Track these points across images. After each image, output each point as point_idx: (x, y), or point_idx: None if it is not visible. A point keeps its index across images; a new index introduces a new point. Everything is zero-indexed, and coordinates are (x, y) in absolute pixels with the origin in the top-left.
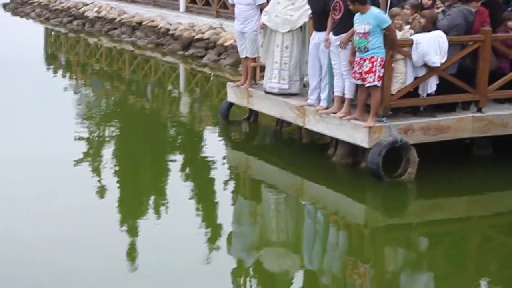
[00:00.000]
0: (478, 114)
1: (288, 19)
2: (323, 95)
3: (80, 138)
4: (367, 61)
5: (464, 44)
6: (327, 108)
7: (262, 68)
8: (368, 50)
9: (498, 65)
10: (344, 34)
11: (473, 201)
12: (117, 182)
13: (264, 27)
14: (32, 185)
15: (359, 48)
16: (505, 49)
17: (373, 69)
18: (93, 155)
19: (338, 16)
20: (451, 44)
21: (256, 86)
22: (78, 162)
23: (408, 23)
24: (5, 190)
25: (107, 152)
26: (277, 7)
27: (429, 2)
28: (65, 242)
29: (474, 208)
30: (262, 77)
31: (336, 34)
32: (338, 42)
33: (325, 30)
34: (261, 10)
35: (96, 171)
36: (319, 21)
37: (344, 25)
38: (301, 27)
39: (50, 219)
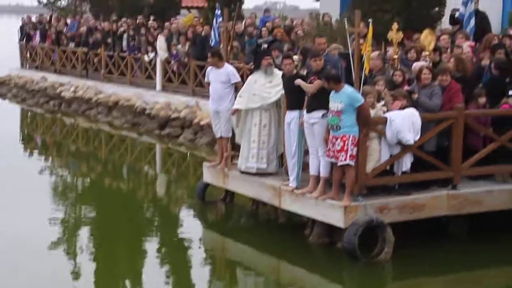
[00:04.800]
0: (453, 192)
1: (265, 96)
2: (292, 176)
3: (56, 220)
4: (339, 140)
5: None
6: (296, 188)
7: (238, 148)
8: (340, 128)
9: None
10: (318, 111)
11: (450, 280)
12: (93, 264)
13: (236, 112)
14: (7, 267)
15: (332, 126)
16: (478, 125)
17: (345, 148)
18: (68, 237)
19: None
20: (430, 121)
21: (232, 166)
22: (53, 244)
23: (382, 98)
24: None
25: (83, 233)
26: (254, 86)
27: (400, 79)
28: None
29: None
30: (237, 157)
31: (309, 111)
32: (312, 120)
33: (296, 108)
34: (236, 89)
35: (72, 253)
36: (291, 100)
37: (318, 101)
38: (278, 106)
39: None
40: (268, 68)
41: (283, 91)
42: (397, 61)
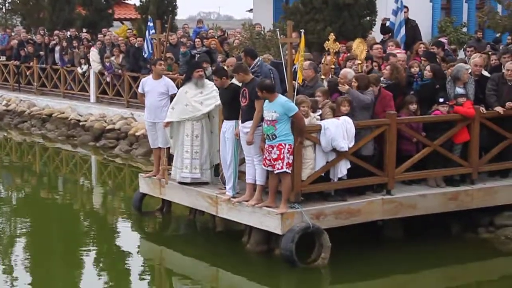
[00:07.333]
0: (387, 197)
1: (197, 107)
2: (229, 185)
3: None
4: (275, 148)
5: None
6: (233, 196)
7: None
8: (276, 137)
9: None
10: (251, 122)
11: (386, 283)
12: (30, 277)
13: (168, 125)
14: None
15: (267, 135)
16: (411, 131)
17: (281, 156)
18: (3, 251)
19: (245, 103)
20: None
21: (169, 176)
22: None
23: (319, 109)
24: None
25: (19, 246)
26: (185, 97)
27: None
28: None
29: None
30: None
31: (243, 121)
32: (247, 130)
33: (233, 119)
34: (171, 100)
35: (8, 266)
36: (227, 110)
37: (251, 112)
38: (209, 116)
39: None
40: (199, 80)
41: (216, 103)
42: (333, 70)
